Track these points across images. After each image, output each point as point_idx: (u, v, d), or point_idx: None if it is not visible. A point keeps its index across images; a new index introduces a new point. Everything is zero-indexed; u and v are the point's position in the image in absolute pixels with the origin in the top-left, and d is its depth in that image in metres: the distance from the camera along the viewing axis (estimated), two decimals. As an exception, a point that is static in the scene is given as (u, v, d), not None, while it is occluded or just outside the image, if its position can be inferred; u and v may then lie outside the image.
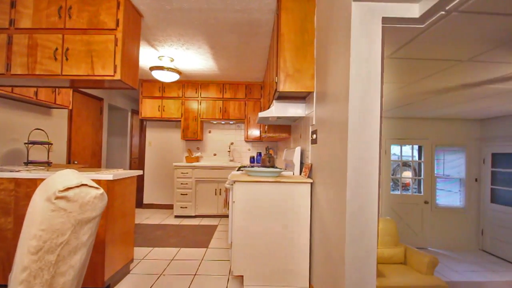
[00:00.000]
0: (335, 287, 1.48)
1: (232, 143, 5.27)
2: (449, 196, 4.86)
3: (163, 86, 4.85)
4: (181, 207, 4.54)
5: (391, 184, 4.76)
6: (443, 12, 1.32)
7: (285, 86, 2.15)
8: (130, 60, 2.31)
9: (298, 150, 2.50)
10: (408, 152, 4.91)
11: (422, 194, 4.68)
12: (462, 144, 4.65)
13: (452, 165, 4.85)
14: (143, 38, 3.08)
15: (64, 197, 1.14)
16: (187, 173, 4.55)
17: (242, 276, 2.10)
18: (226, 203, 2.70)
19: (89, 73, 2.12)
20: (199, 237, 3.54)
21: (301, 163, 2.49)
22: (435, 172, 4.73)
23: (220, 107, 4.88)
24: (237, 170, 2.85)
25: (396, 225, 3.20)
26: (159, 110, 4.83)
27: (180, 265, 2.64)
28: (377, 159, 1.34)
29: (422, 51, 1.83)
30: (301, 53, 2.17)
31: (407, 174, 5.07)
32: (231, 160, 5.17)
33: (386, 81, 2.55)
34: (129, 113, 5.63)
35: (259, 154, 5.05)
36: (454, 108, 3.70)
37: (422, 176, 4.73)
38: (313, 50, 2.17)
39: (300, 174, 2.44)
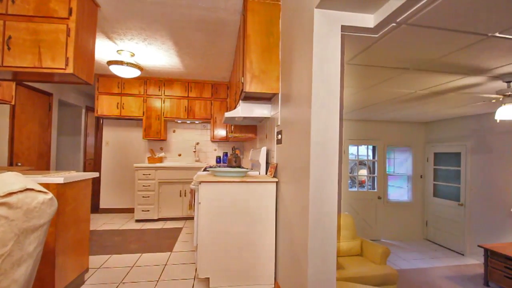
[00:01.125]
0: (299, 281, 1.54)
1: (197, 143, 5.16)
2: (399, 192, 5.35)
3: (122, 82, 4.57)
4: (142, 211, 4.31)
5: (349, 181, 5.09)
6: (394, 24, 1.45)
7: (251, 87, 2.18)
8: (85, 53, 2.14)
9: (264, 150, 2.54)
10: (364, 152, 5.30)
11: (376, 190, 5.08)
12: (409, 144, 5.16)
13: (401, 163, 5.35)
14: (100, 30, 2.87)
15: (4, 204, 1.02)
16: (149, 174, 4.34)
17: (208, 278, 2.07)
18: (192, 205, 2.64)
19: (36, 65, 1.91)
20: (163, 241, 3.41)
21: (267, 163, 2.54)
22: (387, 170, 5.18)
23: (185, 106, 4.75)
24: (203, 171, 2.81)
25: (354, 219, 3.43)
26: (118, 108, 4.53)
27: (141, 271, 2.52)
28: (337, 158, 1.43)
29: (376, 58, 1.99)
30: (266, 55, 2.21)
31: (363, 172, 5.46)
32: (196, 161, 5.06)
33: (345, 85, 2.72)
34: (83, 110, 5.19)
35: (226, 154, 5.03)
36: (402, 112, 4.09)
37: (376, 174, 5.13)
38: (278, 53, 2.23)
39: (266, 173, 2.49)
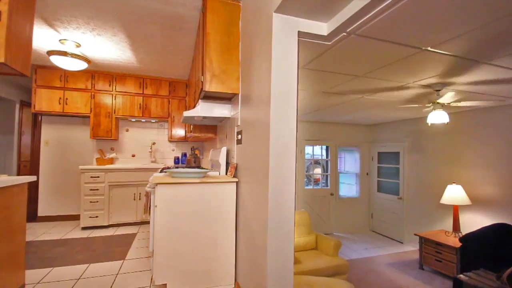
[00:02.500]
0: (259, 279, 1.58)
1: (154, 143, 4.91)
2: (349, 188, 5.81)
3: (65, 75, 4.12)
4: (90, 217, 3.95)
5: (305, 180, 5.35)
6: (344, 34, 1.58)
7: (211, 86, 2.16)
8: (20, 40, 1.88)
9: (224, 150, 2.53)
10: (319, 151, 5.63)
11: (329, 187, 5.44)
12: (357, 145, 5.64)
13: (351, 162, 5.81)
14: (40, 16, 2.55)
15: None
16: (98, 177, 3.99)
17: (166, 284, 1.99)
18: (147, 208, 2.50)
19: (-46, 51, 1.62)
20: (114, 249, 3.17)
21: (227, 163, 2.54)
22: (338, 168, 5.58)
23: (140, 104, 4.48)
24: (160, 172, 2.68)
25: (309, 215, 3.62)
26: (60, 103, 4.08)
27: (89, 283, 2.31)
28: (294, 158, 1.50)
29: (329, 65, 2.14)
30: (227, 54, 2.21)
31: (318, 170, 5.79)
32: (153, 161, 4.81)
33: (301, 88, 2.86)
34: (18, 106, 4.55)
35: (184, 154, 4.87)
36: (352, 115, 4.45)
37: (329, 172, 5.49)
38: (238, 53, 2.25)
39: (226, 174, 2.49)
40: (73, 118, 4.54)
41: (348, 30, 1.53)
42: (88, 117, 4.33)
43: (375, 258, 4.04)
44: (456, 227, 3.59)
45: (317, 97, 3.25)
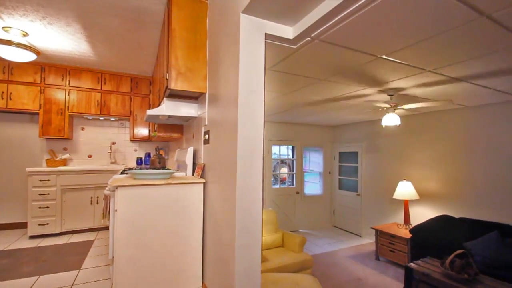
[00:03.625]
0: (226, 279, 1.58)
1: (114, 143, 4.61)
2: (313, 186, 6.06)
3: (9, 66, 3.69)
4: (39, 224, 3.58)
5: (272, 179, 5.46)
6: (309, 38, 1.65)
7: (176, 84, 2.10)
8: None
9: (190, 150, 2.48)
10: (285, 151, 5.78)
11: (294, 186, 5.61)
12: (321, 145, 5.91)
13: (315, 161, 6.07)
14: (-25, -2, 2.25)
15: None
16: (48, 180, 3.64)
17: (127, 290, 1.89)
18: (106, 213, 2.35)
19: None
20: (68, 258, 2.91)
21: (194, 164, 2.49)
22: (303, 168, 5.79)
23: (98, 101, 4.17)
24: (121, 174, 2.54)
25: (276, 214, 3.70)
26: (3, 98, 3.63)
27: (38, 296, 2.10)
28: (261, 158, 1.52)
29: (295, 67, 2.21)
30: (193, 53, 2.17)
31: (284, 170, 5.95)
32: (112, 163, 4.52)
33: (268, 89, 2.92)
34: None
35: (148, 155, 4.66)
36: (316, 117, 4.65)
37: (294, 171, 5.67)
38: (205, 52, 2.22)
39: (193, 174, 2.44)
40: (19, 115, 4.07)
41: (312, 35, 1.60)
42: (37, 113, 3.92)
43: (337, 251, 4.28)
44: (407, 219, 3.96)
45: (283, 99, 3.34)
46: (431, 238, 3.22)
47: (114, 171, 4.03)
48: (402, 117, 4.41)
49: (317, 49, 1.81)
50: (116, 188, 1.88)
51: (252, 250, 1.48)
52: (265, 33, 1.55)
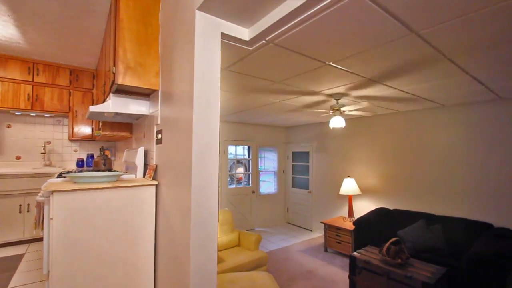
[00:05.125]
0: (181, 283, 1.53)
1: (48, 142, 4.07)
2: (268, 185, 6.23)
3: None
4: None
5: (228, 179, 5.45)
6: (264, 41, 1.70)
7: (125, 79, 1.95)
8: None
9: (141, 150, 2.33)
10: (241, 151, 5.82)
11: (250, 185, 5.70)
12: (275, 145, 6.11)
13: (270, 161, 6.25)
14: None
15: None
16: (-41, 186, 3.05)
17: (65, 307, 1.69)
18: (39, 222, 2.06)
19: None
20: (-13, 276, 2.48)
21: (145, 165, 2.35)
22: (259, 167, 5.91)
23: (29, 94, 3.64)
24: (58, 177, 2.26)
25: (232, 214, 3.71)
26: None
27: None
28: (217, 158, 1.51)
29: (251, 69, 2.25)
30: (144, 46, 2.05)
31: (240, 170, 5.99)
32: (47, 165, 3.98)
33: (224, 89, 2.91)
34: None
35: (91, 156, 4.23)
36: (270, 118, 4.80)
37: (250, 171, 5.75)
38: (158, 47, 2.11)
39: (144, 176, 2.30)
40: None
41: (267, 39, 1.65)
42: None
43: (290, 247, 4.47)
44: (351, 213, 4.33)
45: (239, 99, 3.36)
46: (371, 229, 3.59)
47: (49, 175, 3.56)
48: (346, 119, 4.82)
49: (272, 52, 1.87)
50: (51, 193, 1.67)
51: (208, 252, 1.46)
52: (221, 33, 1.55)
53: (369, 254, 2.81)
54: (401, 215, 3.76)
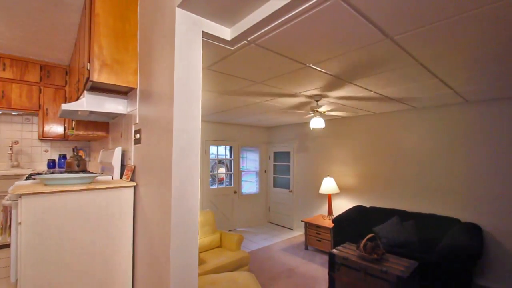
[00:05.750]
0: (161, 286, 1.49)
1: (16, 142, 3.81)
2: (250, 185, 6.24)
3: None
4: None
5: (210, 180, 5.39)
6: (245, 42, 1.70)
7: (100, 76, 1.87)
8: None
9: (118, 150, 2.25)
10: (223, 151, 5.79)
11: (232, 185, 5.68)
12: (257, 145, 6.14)
13: (252, 161, 6.27)
14: None
15: None
16: None
17: (34, 317, 1.59)
18: (6, 227, 1.93)
19: None
20: None
21: (123, 165, 2.27)
22: (241, 167, 5.91)
23: (-8, 90, 3.39)
24: (26, 179, 2.12)
25: (214, 215, 3.68)
26: None
27: None
28: (198, 158, 1.50)
29: (232, 69, 2.25)
30: (122, 43, 1.97)
31: (222, 170, 5.95)
32: (14, 166, 3.73)
33: (206, 89, 2.88)
34: None
35: (63, 156, 4.02)
36: (252, 118, 4.81)
37: (232, 171, 5.73)
38: (136, 43, 2.05)
39: (122, 177, 2.22)
40: None
41: (249, 39, 1.65)
42: None
43: (271, 246, 4.50)
44: (330, 211, 4.45)
45: (221, 99, 3.34)
46: (349, 226, 3.70)
47: (16, 177, 3.34)
48: (326, 120, 4.94)
49: (254, 53, 1.88)
50: (20, 196, 1.57)
51: (188, 254, 1.44)
52: (202, 31, 1.53)
53: (347, 251, 2.90)
54: (377, 212, 3.92)
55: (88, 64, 1.91)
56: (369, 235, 2.79)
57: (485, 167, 3.20)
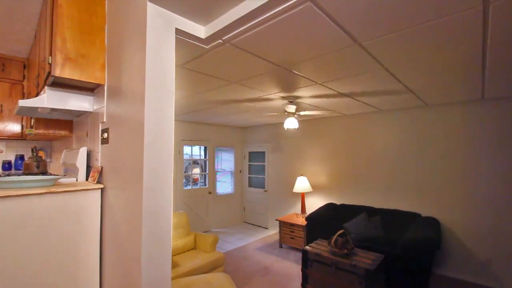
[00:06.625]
0: (129, 291, 1.43)
1: (-40, 142, 3.42)
2: (225, 186, 6.20)
3: None
4: None
5: (184, 180, 5.27)
6: (220, 41, 1.69)
7: (63, 71, 1.75)
8: None
9: (83, 151, 2.11)
10: (197, 151, 5.69)
11: (207, 186, 5.60)
12: (232, 145, 6.12)
13: (227, 161, 6.23)
14: None
15: None
16: None
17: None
18: None
19: None
20: None
21: (89, 167, 2.14)
22: (216, 167, 5.85)
23: None
24: (-26, 182, 1.91)
25: (187, 216, 3.60)
26: None
27: None
28: (171, 158, 1.46)
29: (207, 68, 2.22)
30: (88, 36, 1.86)
31: (196, 170, 5.85)
32: (-42, 168, 3.34)
33: (180, 87, 2.81)
34: None
35: (21, 157, 3.69)
36: (227, 118, 4.79)
37: (207, 172, 5.65)
38: (104, 37, 1.94)
39: (87, 179, 2.09)
40: None
41: (224, 38, 1.65)
42: None
43: (247, 245, 4.52)
44: (303, 209, 4.57)
45: (195, 98, 3.28)
46: (321, 223, 3.83)
47: (-38, 180, 2.99)
48: (299, 121, 5.07)
49: (229, 52, 1.87)
50: (-33, 201, 1.41)
51: (160, 258, 1.39)
52: (176, 28, 1.49)
53: (319, 247, 3.00)
54: (347, 209, 4.10)
55: (50, 57, 1.78)
56: (340, 231, 2.91)
57: (442, 164, 3.49)
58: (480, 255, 3.18)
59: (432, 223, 3.26)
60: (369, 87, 2.74)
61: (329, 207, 4.16)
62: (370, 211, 3.86)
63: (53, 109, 2.11)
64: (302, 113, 3.55)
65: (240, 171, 6.27)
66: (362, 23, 1.47)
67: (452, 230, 3.38)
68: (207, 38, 1.62)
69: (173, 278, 2.56)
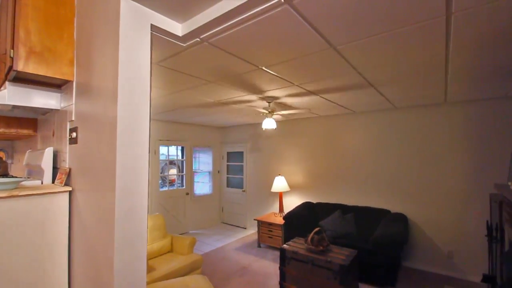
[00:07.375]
0: (101, 298, 1.37)
1: None
2: (203, 186, 6.11)
3: None
4: None
5: (160, 181, 5.12)
6: (198, 39, 1.67)
7: (27, 66, 1.63)
8: None
9: (49, 151, 1.98)
10: (174, 152, 5.55)
11: (184, 187, 5.49)
12: (210, 145, 6.05)
13: (205, 161, 6.15)
14: None
15: None
16: None
17: None
18: None
19: None
20: None
21: (55, 168, 2.01)
22: (193, 168, 5.75)
23: None
24: None
25: (164, 218, 3.51)
26: None
27: None
28: (146, 159, 1.41)
29: (184, 66, 2.18)
30: (54, 29, 1.75)
31: (173, 171, 5.71)
32: None
33: (156, 86, 2.73)
34: None
35: (-26, 158, 3.36)
36: (205, 118, 4.73)
37: (184, 172, 5.54)
38: (73, 31, 1.83)
39: (54, 182, 1.96)
40: None
41: (201, 37, 1.63)
42: None
43: (225, 246, 4.49)
44: (281, 208, 4.63)
45: (172, 97, 3.20)
46: (298, 222, 3.91)
47: None
48: (277, 122, 5.13)
49: (206, 51, 1.85)
50: None
51: (134, 264, 1.34)
52: (151, 24, 1.45)
53: (296, 245, 3.06)
54: (322, 207, 4.22)
55: (12, 51, 1.65)
56: (316, 229, 2.99)
57: (410, 164, 3.72)
58: (443, 248, 3.43)
59: (401, 218, 3.46)
60: (342, 88, 2.84)
61: (306, 206, 4.26)
62: (344, 209, 4.01)
63: (15, 106, 1.96)
64: (280, 112, 3.60)
65: (219, 172, 6.22)
66: (337, 28, 1.52)
67: (418, 225, 3.61)
68: (184, 36, 1.59)
69: (148, 283, 2.48)
